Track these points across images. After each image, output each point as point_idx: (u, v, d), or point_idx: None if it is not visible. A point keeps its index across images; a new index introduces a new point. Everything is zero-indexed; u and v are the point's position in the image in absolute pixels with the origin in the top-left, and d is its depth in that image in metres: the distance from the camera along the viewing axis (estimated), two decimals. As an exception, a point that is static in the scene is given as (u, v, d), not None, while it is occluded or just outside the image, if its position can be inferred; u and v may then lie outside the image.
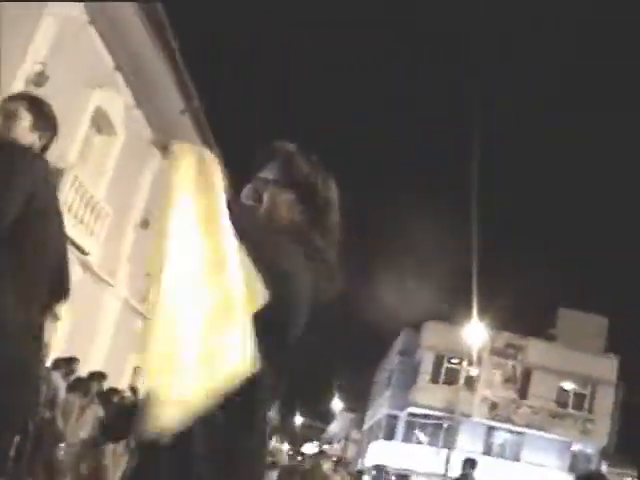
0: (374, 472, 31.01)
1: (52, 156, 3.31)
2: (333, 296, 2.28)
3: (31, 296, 3.08)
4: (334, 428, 64.92)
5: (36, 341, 3.17)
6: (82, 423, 10.54)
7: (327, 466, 16.25)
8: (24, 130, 3.25)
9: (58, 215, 3.34)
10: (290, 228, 2.19)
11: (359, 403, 55.28)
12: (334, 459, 18.32)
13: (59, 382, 9.94)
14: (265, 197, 2.22)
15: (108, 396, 11.68)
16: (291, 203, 2.22)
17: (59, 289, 3.41)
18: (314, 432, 62.92)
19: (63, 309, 3.61)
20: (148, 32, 14.08)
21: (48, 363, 10.13)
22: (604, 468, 33.16)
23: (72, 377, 10.61)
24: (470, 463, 11.44)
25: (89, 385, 10.74)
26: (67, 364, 10.42)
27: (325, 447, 26.59)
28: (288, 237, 2.14)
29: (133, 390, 13.84)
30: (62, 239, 3.41)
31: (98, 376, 11.26)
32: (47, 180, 3.22)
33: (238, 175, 2.26)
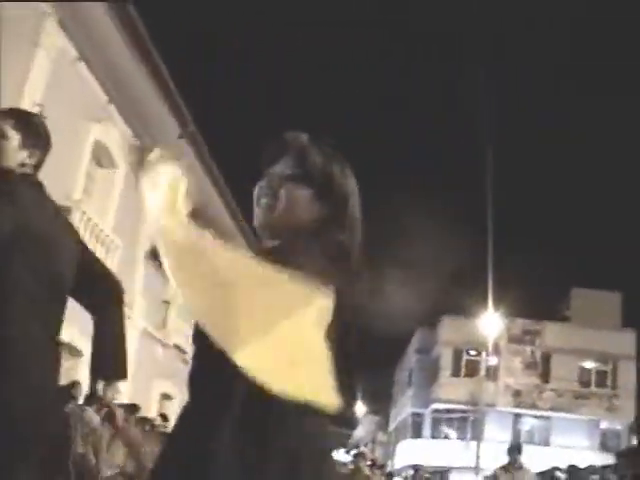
0: (412, 472, 30.98)
1: (56, 191, 3.22)
2: (363, 296, 2.18)
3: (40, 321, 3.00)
4: (359, 432, 64.86)
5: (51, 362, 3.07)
6: (114, 452, 10.60)
7: (366, 469, 16.30)
8: (13, 149, 3.10)
9: (65, 233, 3.21)
10: (309, 226, 2.11)
11: (382, 405, 55.23)
12: (369, 462, 18.30)
13: (94, 418, 10.00)
14: (281, 194, 2.11)
15: (140, 425, 11.75)
16: (309, 199, 2.12)
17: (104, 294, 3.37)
18: (340, 438, 62.81)
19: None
20: (138, 64, 14.19)
21: (80, 400, 10.24)
22: (635, 442, 33.11)
23: (104, 411, 10.68)
24: (516, 449, 11.36)
25: (102, 407, 10.76)
26: (97, 400, 10.46)
27: (355, 451, 26.55)
28: (308, 236, 2.08)
29: (163, 417, 13.90)
30: (72, 251, 3.23)
31: (131, 408, 11.33)
32: (40, 203, 3.10)
33: (239, 186, 2.25)
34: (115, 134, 15.35)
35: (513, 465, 11.04)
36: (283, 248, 2.10)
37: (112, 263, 15.02)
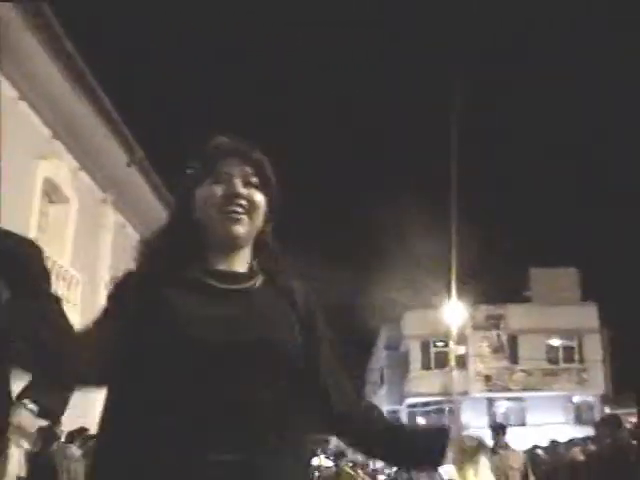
0: (395, 467, 31.13)
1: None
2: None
3: None
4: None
5: None
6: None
7: (348, 468, 16.38)
8: None
9: None
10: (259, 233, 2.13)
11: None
12: (350, 463, 18.42)
13: (76, 452, 10.00)
14: (255, 200, 2.09)
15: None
16: (265, 206, 2.12)
17: None
18: (318, 444, 62.67)
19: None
20: (80, 96, 14.18)
21: (62, 438, 10.23)
22: (607, 412, 33.60)
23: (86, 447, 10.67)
24: (500, 429, 10.99)
25: (86, 441, 10.72)
26: (79, 435, 10.48)
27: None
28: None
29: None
30: None
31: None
32: None
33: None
34: (63, 169, 15.31)
35: (499, 445, 10.74)
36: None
37: (75, 298, 14.98)
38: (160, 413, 1.86)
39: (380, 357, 45.64)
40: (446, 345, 37.79)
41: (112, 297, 2.10)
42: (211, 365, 1.88)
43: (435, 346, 39.40)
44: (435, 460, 2.20)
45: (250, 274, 2.09)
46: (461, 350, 37.63)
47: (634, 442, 8.86)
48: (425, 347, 39.76)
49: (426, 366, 39.54)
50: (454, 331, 32.17)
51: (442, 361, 38.38)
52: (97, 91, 14.58)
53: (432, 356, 39.54)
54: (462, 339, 36.35)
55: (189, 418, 1.85)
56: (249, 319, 1.97)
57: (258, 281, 2.08)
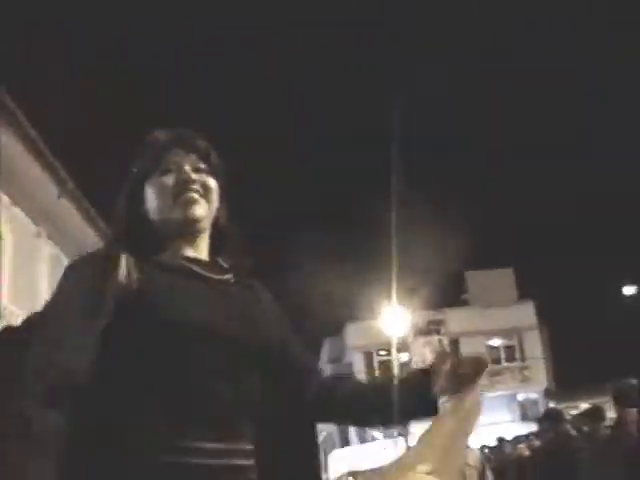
0: (351, 479, 31.21)
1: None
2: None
3: None
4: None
5: None
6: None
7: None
8: None
9: None
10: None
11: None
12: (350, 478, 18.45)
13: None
14: (209, 185, 2.12)
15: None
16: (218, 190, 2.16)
17: None
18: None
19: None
20: (8, 132, 14.08)
21: None
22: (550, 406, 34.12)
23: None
24: None
25: None
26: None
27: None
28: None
29: None
30: None
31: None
32: None
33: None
34: (-4, 205, 15.16)
35: None
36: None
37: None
38: (149, 397, 1.85)
39: (324, 370, 45.56)
40: (389, 353, 37.98)
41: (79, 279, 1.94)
42: (208, 349, 1.92)
43: (379, 355, 39.53)
44: (428, 409, 2.17)
45: (220, 268, 2.12)
46: (404, 357, 37.86)
47: (574, 433, 9.13)
48: (368, 357, 39.86)
49: (371, 376, 39.62)
50: (395, 339, 32.33)
51: (386, 369, 38.46)
52: (27, 127, 14.48)
53: (376, 366, 39.64)
54: (405, 346, 36.58)
55: (179, 401, 1.86)
56: (237, 306, 2.05)
57: (229, 276, 2.12)
